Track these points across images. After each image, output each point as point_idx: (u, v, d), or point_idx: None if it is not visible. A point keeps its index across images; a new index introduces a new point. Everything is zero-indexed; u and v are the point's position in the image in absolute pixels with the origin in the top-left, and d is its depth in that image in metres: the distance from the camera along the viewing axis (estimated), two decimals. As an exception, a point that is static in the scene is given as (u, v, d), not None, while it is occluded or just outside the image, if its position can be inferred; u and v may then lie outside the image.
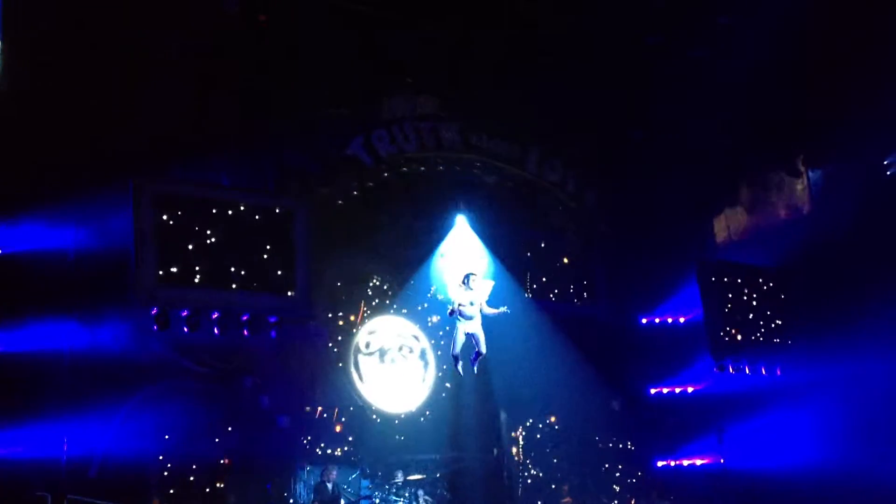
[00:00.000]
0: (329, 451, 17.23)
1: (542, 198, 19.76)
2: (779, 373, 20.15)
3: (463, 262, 13.75)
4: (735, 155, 19.85)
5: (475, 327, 12.82)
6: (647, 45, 18.01)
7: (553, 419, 19.78)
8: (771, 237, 19.90)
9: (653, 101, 18.76)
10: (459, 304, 12.63)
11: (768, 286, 20.81)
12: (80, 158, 14.54)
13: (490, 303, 12.85)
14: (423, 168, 18.28)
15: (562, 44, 17.98)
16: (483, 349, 12.97)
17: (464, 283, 12.69)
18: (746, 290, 20.49)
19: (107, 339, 14.82)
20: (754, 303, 20.50)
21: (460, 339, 12.85)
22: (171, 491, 15.68)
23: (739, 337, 20.00)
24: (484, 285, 12.87)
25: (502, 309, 12.94)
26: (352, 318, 18.13)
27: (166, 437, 15.71)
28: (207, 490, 16.06)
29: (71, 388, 14.36)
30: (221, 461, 16.22)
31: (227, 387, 16.32)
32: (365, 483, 16.96)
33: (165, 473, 15.72)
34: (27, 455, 13.85)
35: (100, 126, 14.73)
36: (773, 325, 20.55)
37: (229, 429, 16.21)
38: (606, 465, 20.19)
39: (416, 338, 18.80)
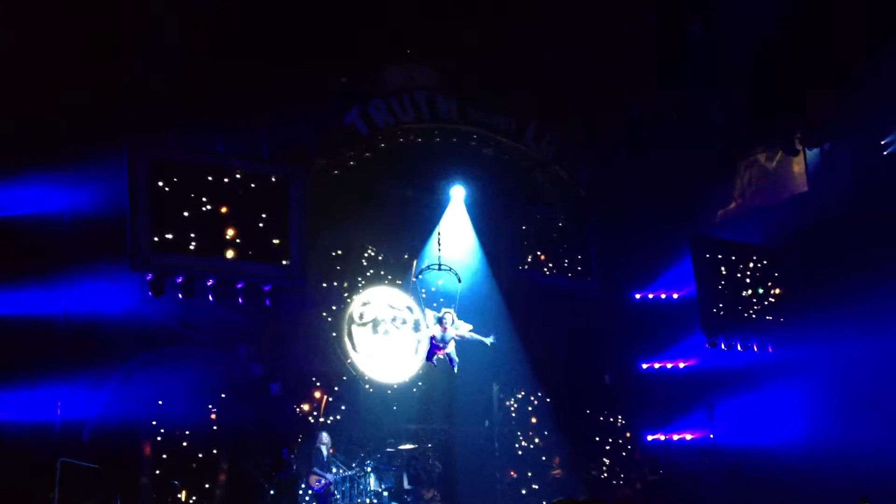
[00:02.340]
0: (322, 420, 17.30)
1: (539, 171, 19.75)
2: (770, 350, 20.26)
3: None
4: (732, 132, 19.81)
5: (450, 350, 14.36)
6: (648, 21, 17.90)
7: (544, 392, 19.86)
8: (766, 215, 19.89)
9: (651, 77, 18.69)
10: (433, 336, 14.25)
11: (762, 264, 20.89)
12: (75, 122, 14.49)
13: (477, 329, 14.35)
14: (419, 139, 18.22)
15: (561, 18, 17.87)
16: (456, 365, 14.56)
17: (438, 322, 14.19)
18: (740, 268, 20.57)
19: (101, 303, 14.81)
20: (748, 280, 20.58)
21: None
22: (164, 456, 15.76)
23: (732, 314, 20.10)
24: (460, 326, 14.33)
25: (489, 340, 14.60)
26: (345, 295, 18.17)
27: (160, 402, 15.78)
28: (200, 456, 16.14)
29: (65, 353, 14.40)
30: (214, 428, 16.28)
31: (220, 354, 16.36)
32: (356, 452, 17.02)
33: (158, 439, 15.79)
34: (21, 418, 13.91)
35: (95, 90, 14.67)
36: (765, 303, 20.64)
37: (222, 396, 16.26)
38: (597, 438, 20.32)
39: (409, 309, 18.82)
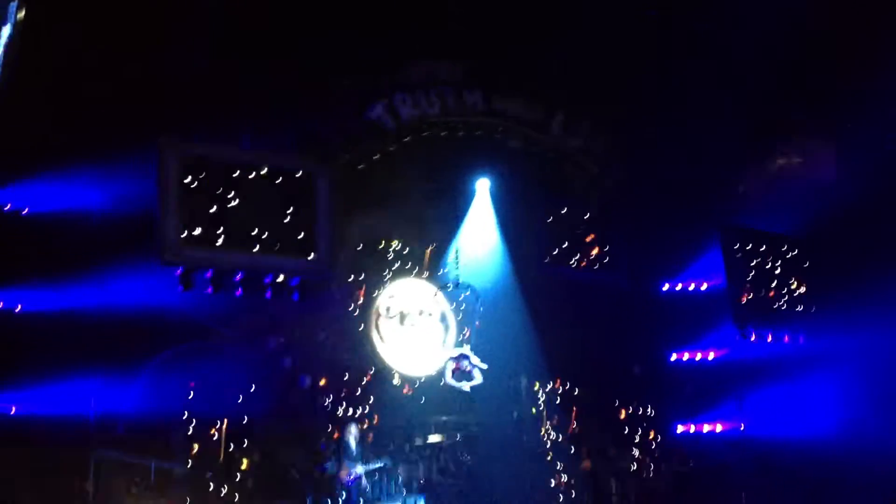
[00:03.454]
0: (350, 413, 17.42)
1: (565, 163, 19.68)
2: (801, 341, 20.14)
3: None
4: (763, 122, 19.68)
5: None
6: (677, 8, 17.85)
7: (573, 383, 19.87)
8: (796, 205, 19.74)
9: (679, 67, 18.61)
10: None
11: (793, 254, 20.77)
12: (105, 120, 14.66)
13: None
14: (444, 132, 18.22)
15: (589, 7, 17.83)
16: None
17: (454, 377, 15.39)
18: (771, 258, 20.46)
19: (131, 298, 15.01)
20: (778, 270, 20.47)
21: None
22: (195, 449, 15.94)
23: (762, 305, 20.00)
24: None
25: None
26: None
27: (191, 396, 15.96)
28: (230, 449, 16.31)
29: (97, 348, 14.58)
30: (244, 420, 16.46)
31: (249, 348, 16.53)
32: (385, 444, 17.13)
33: (189, 432, 15.97)
34: (56, 412, 14.13)
35: (125, 88, 14.84)
36: (796, 294, 20.52)
37: (252, 389, 16.42)
38: (626, 430, 20.29)
39: (436, 302, 18.90)
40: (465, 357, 14.63)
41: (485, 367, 14.85)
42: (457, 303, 17.93)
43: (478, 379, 14.72)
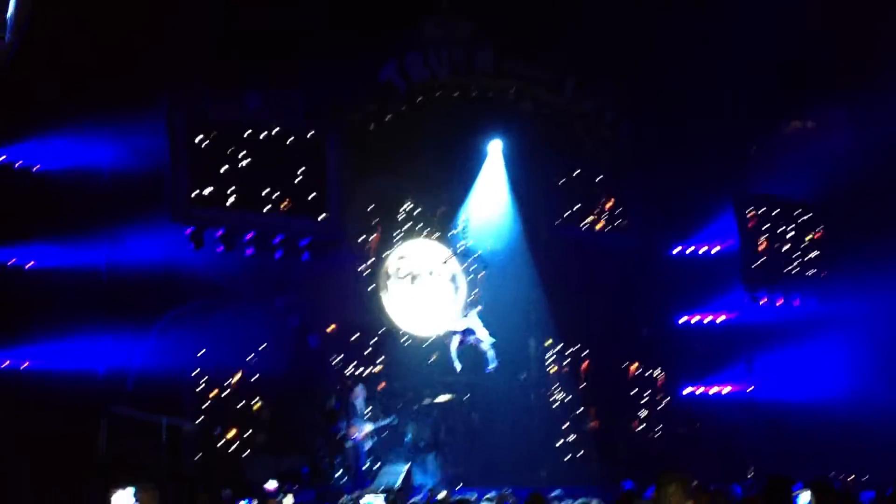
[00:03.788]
0: (359, 372, 17.52)
1: (577, 125, 19.54)
2: (811, 305, 20.10)
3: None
4: (777, 84, 19.49)
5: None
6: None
7: (581, 345, 19.92)
8: (810, 169, 19.60)
9: (694, 29, 18.40)
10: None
11: (805, 218, 20.67)
12: (116, 79, 14.63)
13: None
14: (456, 93, 18.10)
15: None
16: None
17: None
18: (783, 223, 20.37)
19: (142, 256, 15.06)
20: (790, 234, 20.40)
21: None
22: (205, 405, 16.08)
23: (773, 268, 19.96)
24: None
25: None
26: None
27: (200, 353, 16.07)
28: (239, 406, 16.46)
29: (108, 304, 14.68)
30: (253, 378, 16.57)
31: (259, 306, 16.59)
32: (393, 404, 17.24)
33: (199, 388, 16.11)
34: (66, 367, 14.23)
35: (136, 47, 14.79)
36: (808, 258, 20.46)
37: (261, 347, 16.51)
38: (634, 391, 20.36)
39: (446, 263, 18.91)
40: (471, 332, 14.62)
41: (492, 340, 14.88)
42: (467, 264, 17.87)
43: (490, 351, 14.81)
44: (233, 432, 16.06)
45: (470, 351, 16.24)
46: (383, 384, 17.53)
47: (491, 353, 15.36)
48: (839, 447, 17.74)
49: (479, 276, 18.33)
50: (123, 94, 14.54)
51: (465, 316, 14.91)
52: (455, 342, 14.74)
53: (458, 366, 15.35)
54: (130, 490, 6.34)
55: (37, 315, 14.23)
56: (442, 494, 11.05)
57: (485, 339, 14.80)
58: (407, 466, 13.36)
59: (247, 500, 5.83)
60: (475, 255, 18.58)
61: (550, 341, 19.69)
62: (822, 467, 17.46)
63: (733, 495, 10.76)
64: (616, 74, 19.40)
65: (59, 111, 14.43)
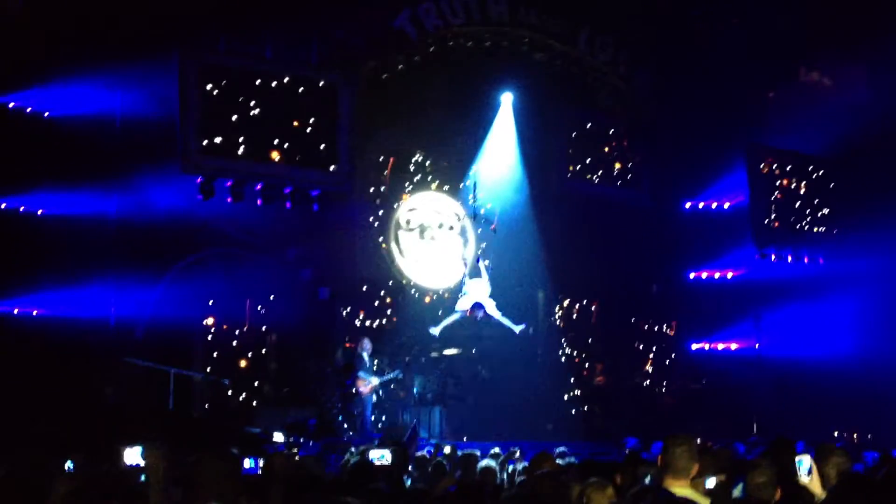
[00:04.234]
0: (367, 324, 17.58)
1: (591, 77, 19.37)
2: (822, 262, 20.06)
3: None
4: (793, 39, 19.22)
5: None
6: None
7: (589, 300, 19.94)
8: (824, 124, 19.40)
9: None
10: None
11: (818, 174, 20.54)
12: (128, 25, 14.47)
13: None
14: (469, 43, 17.92)
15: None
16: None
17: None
18: (795, 178, 20.25)
19: (152, 205, 15.04)
20: (802, 191, 20.28)
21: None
22: (215, 354, 16.16)
23: (784, 225, 19.88)
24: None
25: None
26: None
27: (210, 302, 16.11)
28: (250, 355, 16.54)
29: (118, 253, 14.69)
30: (263, 328, 16.64)
31: (269, 257, 16.60)
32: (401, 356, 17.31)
33: (209, 337, 16.18)
34: (77, 314, 14.29)
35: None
36: (819, 215, 20.36)
37: (271, 298, 16.55)
38: (641, 346, 20.41)
39: (456, 215, 18.87)
40: (480, 306, 14.59)
41: (500, 315, 14.98)
42: (476, 216, 17.80)
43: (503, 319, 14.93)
44: (241, 383, 16.12)
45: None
46: (388, 336, 17.58)
47: (507, 321, 15.38)
48: (845, 405, 17.85)
49: (490, 229, 18.25)
50: (135, 40, 14.35)
51: (471, 276, 14.82)
52: (454, 317, 14.78)
53: (436, 332, 15.50)
54: (138, 449, 6.35)
55: (47, 262, 14.23)
56: (447, 449, 11.11)
57: (494, 312, 14.78)
58: (413, 425, 13.45)
59: (252, 460, 5.84)
60: (485, 208, 18.46)
61: (557, 298, 19.72)
62: (826, 425, 17.66)
63: (736, 454, 10.79)
64: (630, 27, 19.18)
65: (70, 58, 14.30)
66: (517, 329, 15.59)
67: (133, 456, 6.66)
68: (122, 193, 15.02)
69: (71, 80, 14.41)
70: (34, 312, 14.28)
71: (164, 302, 15.26)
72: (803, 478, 5.35)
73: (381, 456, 7.67)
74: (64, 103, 14.62)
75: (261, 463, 5.82)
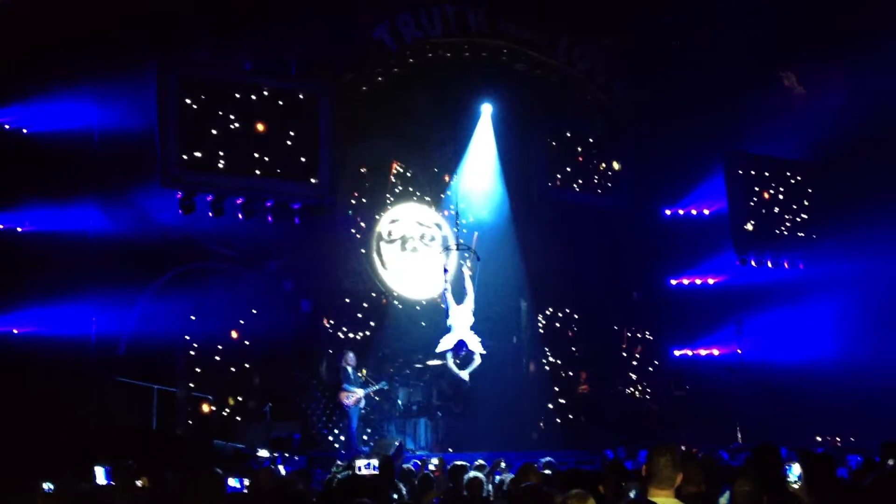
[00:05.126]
0: (351, 336, 17.54)
1: (570, 86, 19.46)
2: (801, 267, 20.16)
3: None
4: (769, 46, 19.36)
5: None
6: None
7: (572, 308, 19.97)
8: (802, 130, 19.54)
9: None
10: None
11: (796, 180, 20.68)
12: (106, 39, 14.42)
13: None
14: (449, 54, 17.96)
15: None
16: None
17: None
18: (774, 184, 20.38)
19: (132, 220, 14.97)
20: (781, 196, 20.40)
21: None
22: (198, 370, 16.07)
23: (763, 230, 19.99)
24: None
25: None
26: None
27: (192, 317, 16.02)
28: (233, 369, 16.45)
29: (97, 269, 14.57)
30: (246, 342, 16.56)
31: (251, 270, 16.53)
32: (385, 368, 17.28)
33: (192, 353, 16.08)
34: (58, 332, 14.17)
35: (125, 6, 14.55)
36: (798, 220, 20.48)
37: (254, 311, 16.48)
38: (624, 354, 20.46)
39: (438, 226, 18.88)
40: (463, 344, 14.61)
41: (483, 352, 14.95)
42: (458, 227, 17.82)
43: (477, 362, 14.81)
44: (224, 399, 16.03)
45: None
46: (371, 348, 17.53)
47: (477, 363, 15.35)
48: (827, 409, 17.93)
49: (473, 239, 18.28)
50: (113, 55, 14.33)
51: (457, 301, 14.89)
52: (450, 359, 14.76)
53: (465, 376, 15.37)
54: (105, 468, 6.36)
55: (28, 280, 14.11)
56: (435, 462, 11.08)
57: (476, 349, 14.79)
58: (398, 442, 13.40)
59: (237, 479, 5.79)
60: (466, 220, 18.48)
61: (539, 307, 19.74)
62: (809, 429, 17.74)
63: (721, 461, 10.84)
64: (608, 36, 19.29)
65: (48, 72, 14.22)
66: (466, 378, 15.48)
67: (102, 475, 6.66)
68: (102, 209, 14.91)
69: (49, 96, 14.33)
70: (14, 331, 14.14)
71: (146, 318, 15.17)
72: (794, 485, 5.37)
73: (367, 464, 7.66)
74: (42, 119, 14.52)
75: (246, 482, 5.80)
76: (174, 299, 15.55)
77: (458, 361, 14.75)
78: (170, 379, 15.18)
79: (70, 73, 14.29)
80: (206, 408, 15.62)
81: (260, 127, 15.56)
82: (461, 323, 14.80)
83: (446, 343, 14.77)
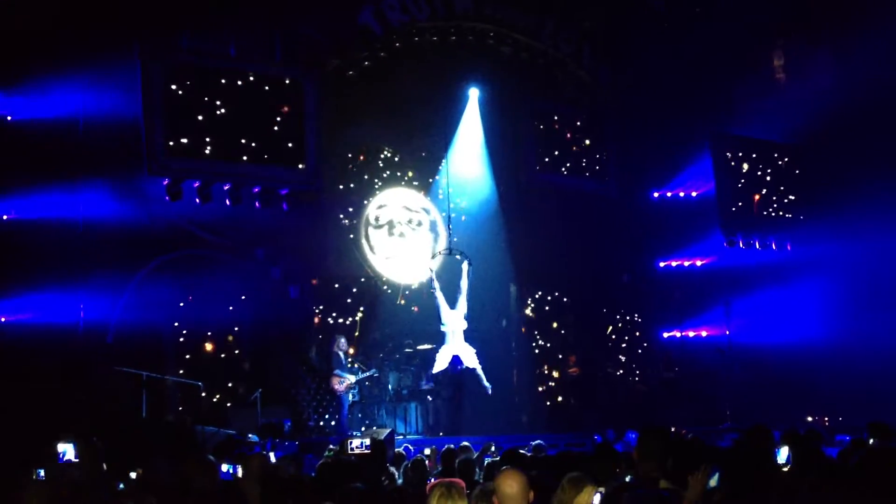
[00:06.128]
0: (340, 322, 17.52)
1: (557, 70, 19.42)
2: (789, 248, 20.23)
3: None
4: (756, 28, 19.36)
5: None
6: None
7: (561, 291, 19.99)
8: (789, 112, 19.57)
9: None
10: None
11: (783, 161, 20.73)
12: (89, 26, 14.29)
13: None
14: (435, 38, 17.90)
15: None
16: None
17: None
18: (760, 165, 20.43)
19: (119, 208, 14.88)
20: (768, 178, 20.45)
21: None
22: (187, 357, 16.03)
23: (751, 212, 20.03)
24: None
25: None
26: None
27: (181, 304, 15.97)
28: (222, 356, 16.43)
29: (85, 256, 14.50)
30: (235, 329, 16.52)
31: (239, 257, 16.48)
32: (375, 353, 17.28)
33: (181, 340, 16.04)
34: (45, 320, 14.10)
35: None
36: (785, 201, 20.55)
37: (242, 298, 16.44)
38: (613, 336, 20.49)
39: (426, 210, 18.85)
40: (458, 361, 14.77)
41: (478, 366, 15.13)
42: (447, 212, 17.79)
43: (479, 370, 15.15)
44: (214, 385, 16.00)
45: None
46: (361, 333, 17.52)
47: (481, 375, 15.52)
48: (816, 389, 18.03)
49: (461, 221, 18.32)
50: (97, 41, 14.18)
51: (451, 306, 15.03)
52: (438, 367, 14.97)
53: (486, 385, 15.64)
54: (71, 445, 6.35)
55: (14, 268, 14.02)
56: (427, 451, 11.08)
57: (471, 363, 14.89)
58: (388, 431, 13.45)
59: (230, 467, 5.77)
60: (454, 203, 18.45)
61: (529, 291, 19.76)
62: (798, 409, 17.83)
63: (710, 442, 10.88)
64: (594, 19, 19.24)
65: (32, 60, 14.09)
66: (488, 386, 15.74)
67: (68, 452, 6.65)
68: (87, 196, 14.81)
69: (33, 84, 14.20)
70: (1, 319, 14.07)
71: (134, 305, 15.11)
72: (784, 467, 5.40)
73: (360, 444, 7.66)
74: (27, 107, 14.40)
75: (239, 470, 5.78)
76: (162, 287, 15.48)
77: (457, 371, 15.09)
78: (159, 366, 15.12)
79: (55, 60, 14.12)
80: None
81: (246, 113, 15.45)
82: (454, 330, 14.90)
83: (442, 362, 14.93)
